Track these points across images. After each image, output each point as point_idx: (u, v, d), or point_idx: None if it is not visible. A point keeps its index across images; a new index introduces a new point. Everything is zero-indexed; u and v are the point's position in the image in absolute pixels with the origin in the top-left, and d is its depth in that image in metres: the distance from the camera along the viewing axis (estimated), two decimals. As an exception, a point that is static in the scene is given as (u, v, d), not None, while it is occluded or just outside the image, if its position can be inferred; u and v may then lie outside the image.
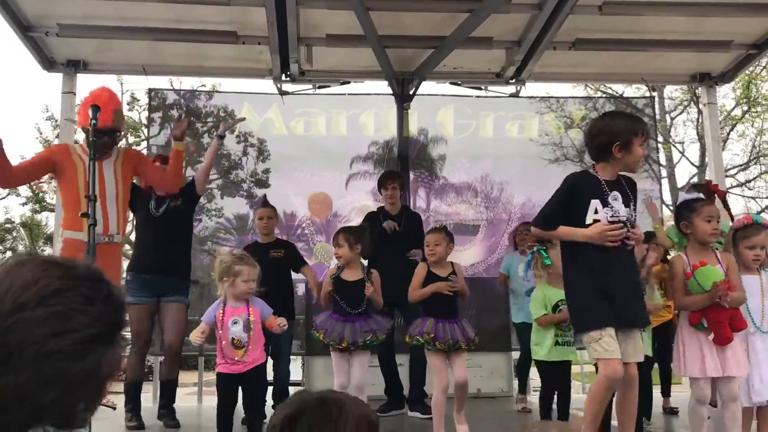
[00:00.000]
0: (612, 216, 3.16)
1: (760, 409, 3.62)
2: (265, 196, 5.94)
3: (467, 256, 7.80)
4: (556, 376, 4.47)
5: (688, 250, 3.62)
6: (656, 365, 4.89)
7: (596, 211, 3.16)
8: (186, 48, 6.55)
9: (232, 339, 3.86)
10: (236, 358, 3.86)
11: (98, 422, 3.57)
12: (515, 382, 6.31)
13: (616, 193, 3.20)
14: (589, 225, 3.16)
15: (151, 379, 6.32)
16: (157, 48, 6.57)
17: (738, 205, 21.52)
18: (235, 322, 3.88)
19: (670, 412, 5.40)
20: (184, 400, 5.40)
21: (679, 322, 3.57)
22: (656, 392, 5.54)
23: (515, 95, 7.45)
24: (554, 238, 3.32)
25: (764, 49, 6.92)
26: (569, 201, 3.24)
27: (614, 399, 3.35)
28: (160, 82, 11.70)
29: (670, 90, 20.65)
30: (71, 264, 1.08)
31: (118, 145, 4.71)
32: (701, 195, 3.80)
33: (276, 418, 1.27)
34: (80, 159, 4.31)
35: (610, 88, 16.88)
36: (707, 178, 9.02)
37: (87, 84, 5.76)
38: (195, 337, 3.93)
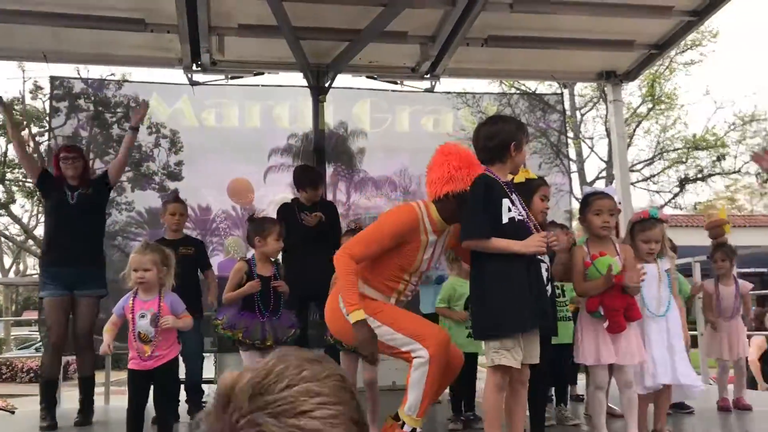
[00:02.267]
0: (519, 214, 3.20)
1: (656, 392, 3.79)
2: (176, 190, 5.79)
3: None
4: (465, 368, 4.53)
5: (589, 241, 3.74)
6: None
7: (509, 209, 3.18)
8: (91, 35, 6.29)
9: (139, 333, 3.75)
10: (146, 354, 3.75)
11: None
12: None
13: (513, 195, 3.26)
14: (506, 224, 3.16)
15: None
16: (61, 34, 6.27)
17: (643, 199, 22.56)
18: (143, 316, 3.77)
19: (577, 399, 5.59)
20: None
21: (580, 312, 3.69)
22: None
23: (430, 90, 7.52)
24: (489, 250, 3.18)
25: (665, 50, 7.26)
26: (487, 204, 3.20)
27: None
28: (67, 70, 11.18)
29: (580, 87, 21.41)
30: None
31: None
32: (599, 189, 3.91)
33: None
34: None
35: (524, 85, 17.32)
36: (614, 172, 9.38)
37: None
38: (106, 331, 3.79)
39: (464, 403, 4.55)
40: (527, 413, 3.53)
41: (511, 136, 3.28)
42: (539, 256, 3.25)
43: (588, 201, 3.69)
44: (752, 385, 7.46)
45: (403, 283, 3.50)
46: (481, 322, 3.26)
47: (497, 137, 3.30)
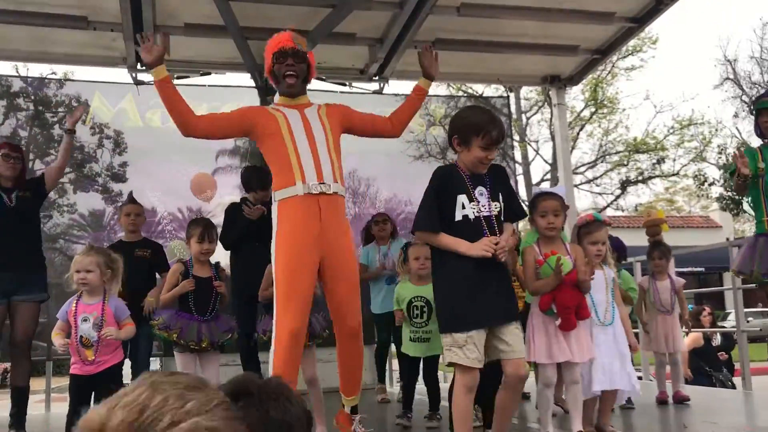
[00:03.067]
0: (478, 211, 3.12)
1: (601, 395, 3.90)
2: (131, 192, 5.71)
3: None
4: (413, 369, 4.60)
5: (540, 241, 3.81)
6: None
7: (463, 206, 3.11)
8: (29, 32, 6.10)
9: (81, 337, 3.67)
10: (88, 359, 3.66)
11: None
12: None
13: (481, 188, 3.16)
14: (459, 222, 3.11)
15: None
16: (-3, 30, 6.08)
17: (586, 201, 23.10)
18: (85, 320, 3.69)
19: (523, 396, 5.68)
20: (32, 408, 5.05)
21: (531, 311, 3.76)
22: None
23: (379, 92, 7.54)
24: (435, 244, 3.13)
25: (607, 55, 7.45)
26: (440, 197, 3.15)
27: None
28: (5, 68, 10.85)
29: (525, 91, 21.78)
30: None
31: None
32: (545, 190, 3.97)
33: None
34: (279, 113, 3.68)
35: (471, 88, 17.52)
36: (558, 175, 9.57)
37: None
38: (55, 336, 3.69)
39: (429, 403, 4.60)
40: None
41: (455, 130, 3.23)
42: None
43: (534, 202, 3.73)
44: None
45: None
46: (438, 317, 3.25)
47: (450, 126, 3.30)
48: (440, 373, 8.50)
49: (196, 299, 4.24)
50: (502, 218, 3.24)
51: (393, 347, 6.59)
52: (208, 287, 4.28)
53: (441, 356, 4.68)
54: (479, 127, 3.14)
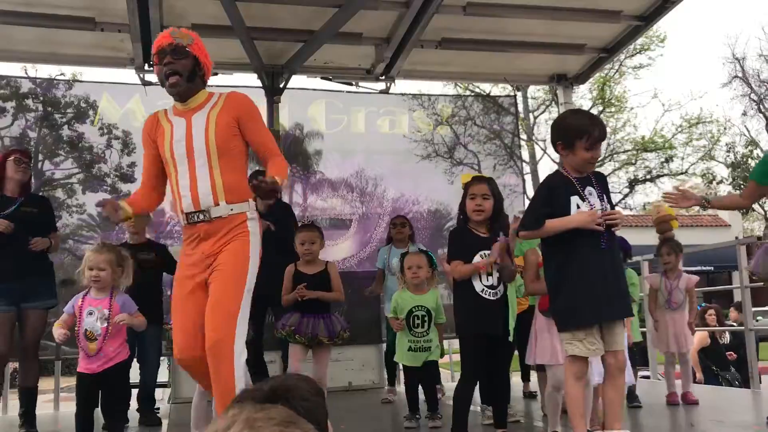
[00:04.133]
0: (590, 208, 3.24)
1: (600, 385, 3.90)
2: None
3: (340, 250, 7.86)
4: (415, 376, 4.58)
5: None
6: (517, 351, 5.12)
7: (578, 207, 3.24)
8: (37, 33, 6.16)
9: (86, 330, 3.71)
10: (91, 352, 3.69)
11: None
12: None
13: (590, 188, 3.29)
14: None
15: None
16: (5, 32, 6.12)
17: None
18: (90, 313, 3.74)
19: (529, 395, 5.68)
20: (41, 407, 5.09)
21: (535, 312, 3.75)
22: (516, 377, 5.85)
23: (385, 92, 7.56)
24: (544, 234, 3.24)
25: (614, 53, 7.44)
26: (551, 201, 3.28)
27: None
28: (14, 69, 10.92)
29: (533, 90, 21.73)
30: None
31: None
32: None
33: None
34: (168, 123, 3.30)
35: (478, 87, 17.50)
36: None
37: None
38: (56, 327, 3.72)
39: (428, 405, 4.59)
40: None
41: (558, 134, 3.34)
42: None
43: None
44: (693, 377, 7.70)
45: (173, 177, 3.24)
46: (555, 315, 3.34)
47: (552, 131, 3.40)
48: (448, 373, 8.53)
49: None
50: None
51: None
52: None
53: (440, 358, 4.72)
54: (581, 129, 3.26)
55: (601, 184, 3.37)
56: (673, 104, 35.72)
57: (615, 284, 3.23)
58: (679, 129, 23.22)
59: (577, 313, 3.18)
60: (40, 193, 6.40)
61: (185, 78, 3.19)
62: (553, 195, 3.28)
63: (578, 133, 3.24)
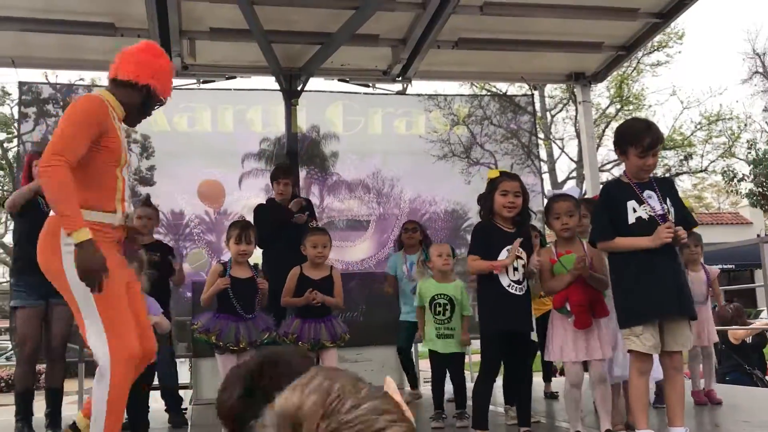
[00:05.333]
0: (648, 212, 3.32)
1: (626, 383, 3.88)
2: (148, 195, 5.70)
3: (359, 251, 7.87)
4: (442, 366, 4.60)
5: (556, 242, 3.82)
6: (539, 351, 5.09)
7: (634, 210, 3.32)
8: (58, 39, 6.24)
9: None
10: None
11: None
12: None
13: (649, 192, 3.36)
14: (634, 224, 3.32)
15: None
16: (26, 39, 6.21)
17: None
18: None
19: (551, 396, 5.66)
20: (65, 408, 5.15)
21: (551, 311, 3.75)
22: (538, 378, 5.82)
23: (402, 93, 7.57)
24: (615, 249, 3.37)
25: (632, 51, 7.39)
26: (610, 209, 3.38)
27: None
28: (34, 75, 11.05)
29: (550, 88, 21.64)
30: None
31: None
32: (557, 192, 4.01)
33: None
34: (118, 121, 3.21)
35: (494, 87, 17.47)
36: (584, 172, 9.51)
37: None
38: None
39: (456, 402, 4.59)
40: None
41: (617, 139, 3.45)
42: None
43: (548, 206, 3.86)
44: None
45: (120, 181, 3.11)
46: (617, 312, 3.44)
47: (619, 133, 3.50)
48: (467, 373, 8.49)
49: (238, 299, 4.29)
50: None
51: (419, 349, 6.61)
52: (248, 287, 4.33)
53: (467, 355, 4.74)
54: (632, 137, 3.36)
55: (665, 188, 3.43)
56: (692, 101, 35.43)
57: (675, 283, 3.29)
58: (699, 126, 23.03)
59: (635, 310, 3.27)
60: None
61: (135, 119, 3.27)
62: (609, 201, 3.40)
63: (631, 140, 3.34)
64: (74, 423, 3.55)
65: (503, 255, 3.68)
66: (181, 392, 5.46)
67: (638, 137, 3.33)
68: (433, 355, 4.62)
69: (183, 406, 5.31)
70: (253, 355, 1.43)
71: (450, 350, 4.52)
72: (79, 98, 3.19)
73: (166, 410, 5.15)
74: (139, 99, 3.15)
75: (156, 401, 5.10)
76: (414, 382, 6.00)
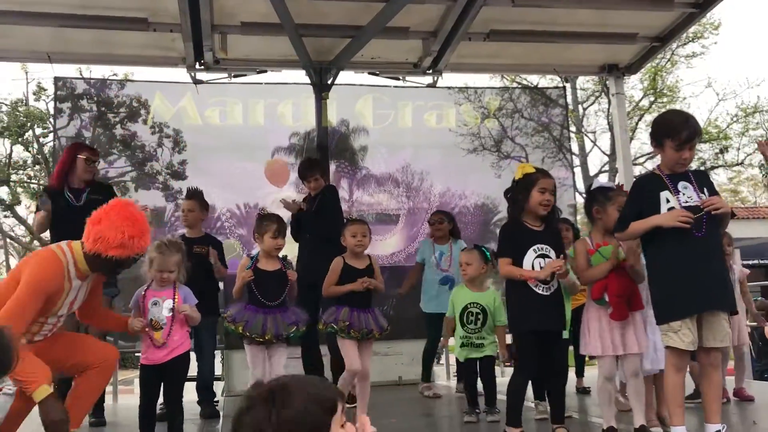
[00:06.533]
0: (685, 201, 3.29)
1: (656, 376, 3.83)
2: (190, 187, 5.67)
3: (388, 245, 7.86)
4: (469, 371, 4.61)
5: (593, 233, 3.77)
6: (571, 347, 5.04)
7: (668, 200, 3.31)
8: (93, 35, 6.32)
9: (151, 320, 3.84)
10: (158, 342, 3.79)
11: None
12: (435, 369, 6.36)
13: (684, 183, 3.34)
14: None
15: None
16: (63, 35, 6.30)
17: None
18: (155, 303, 3.87)
19: (583, 391, 5.61)
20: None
21: (586, 303, 3.71)
22: (571, 373, 5.76)
23: (432, 85, 7.53)
24: (631, 236, 3.38)
25: (667, 42, 7.26)
26: (640, 201, 3.38)
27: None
28: (68, 70, 11.22)
29: (582, 81, 21.39)
30: None
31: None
32: (612, 185, 3.97)
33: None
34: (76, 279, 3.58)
35: (525, 79, 17.31)
36: (617, 166, 9.38)
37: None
38: (131, 320, 3.84)
39: (486, 399, 4.59)
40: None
41: (653, 132, 3.45)
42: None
43: (609, 196, 3.79)
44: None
45: (38, 325, 3.48)
46: (653, 307, 3.42)
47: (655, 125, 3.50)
48: (497, 369, 8.46)
49: (265, 291, 4.30)
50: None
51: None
52: (276, 279, 4.35)
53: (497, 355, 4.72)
54: (669, 129, 3.35)
55: (700, 179, 3.39)
56: (728, 93, 34.62)
57: (708, 274, 3.24)
58: (735, 119, 22.55)
59: (669, 305, 3.24)
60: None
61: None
62: (641, 194, 3.37)
63: (667, 132, 3.32)
64: None
65: (530, 254, 3.62)
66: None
67: (676, 130, 3.30)
68: (461, 364, 4.62)
69: (215, 398, 5.36)
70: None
71: (470, 356, 4.54)
72: (43, 257, 3.53)
73: (198, 402, 5.20)
74: (109, 265, 3.53)
75: (188, 392, 5.16)
76: (428, 378, 5.91)
